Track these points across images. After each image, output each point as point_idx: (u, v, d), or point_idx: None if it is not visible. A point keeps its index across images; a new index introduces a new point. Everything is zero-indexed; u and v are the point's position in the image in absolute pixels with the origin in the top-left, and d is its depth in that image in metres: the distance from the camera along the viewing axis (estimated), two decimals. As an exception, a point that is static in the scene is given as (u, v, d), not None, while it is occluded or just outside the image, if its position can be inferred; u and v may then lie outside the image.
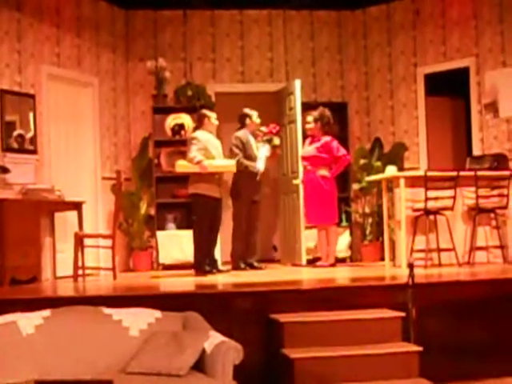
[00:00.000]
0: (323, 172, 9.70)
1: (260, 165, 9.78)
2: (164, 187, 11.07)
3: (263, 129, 10.02)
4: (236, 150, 9.69)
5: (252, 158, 9.77)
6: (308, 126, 9.97)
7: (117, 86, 11.13)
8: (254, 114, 9.92)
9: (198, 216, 9.18)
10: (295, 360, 5.76)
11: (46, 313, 5.33)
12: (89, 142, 10.54)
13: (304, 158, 9.96)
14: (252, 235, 9.90)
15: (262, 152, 9.88)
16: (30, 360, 4.99)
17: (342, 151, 9.83)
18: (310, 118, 9.96)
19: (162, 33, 11.51)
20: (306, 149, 9.97)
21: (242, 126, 9.90)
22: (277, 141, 10.08)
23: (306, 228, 10.42)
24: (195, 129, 9.72)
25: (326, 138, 9.76)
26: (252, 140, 9.87)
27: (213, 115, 9.46)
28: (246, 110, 9.94)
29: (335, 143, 9.79)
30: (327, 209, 9.71)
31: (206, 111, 9.55)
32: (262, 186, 10.03)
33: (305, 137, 10.23)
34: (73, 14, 10.32)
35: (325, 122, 9.82)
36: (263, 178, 9.94)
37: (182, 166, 9.19)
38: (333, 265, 9.74)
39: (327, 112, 9.90)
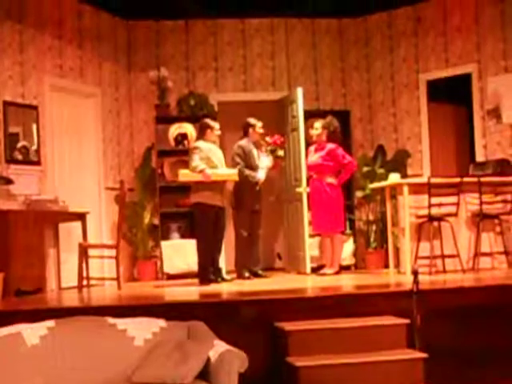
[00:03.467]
0: (330, 180, 9.70)
1: (261, 175, 9.78)
2: (167, 197, 11.07)
3: (267, 139, 10.03)
4: (237, 159, 9.70)
5: (253, 168, 9.77)
6: (314, 132, 9.94)
7: (119, 96, 11.15)
8: (258, 124, 9.92)
9: (201, 225, 9.18)
10: (300, 368, 5.76)
11: (51, 323, 5.33)
12: (92, 152, 10.56)
13: (310, 168, 9.95)
14: (255, 244, 9.91)
15: (263, 162, 9.88)
16: (35, 370, 4.99)
17: (348, 158, 9.83)
18: (317, 125, 9.94)
19: (164, 43, 11.54)
20: (310, 158, 9.95)
21: (245, 135, 9.91)
22: (281, 152, 10.07)
23: (310, 236, 10.41)
24: (197, 139, 9.73)
25: (331, 146, 9.75)
26: (254, 150, 9.88)
27: (216, 125, 9.47)
28: (250, 120, 9.95)
29: (340, 150, 9.78)
30: (334, 216, 9.69)
31: (208, 121, 9.56)
32: (263, 196, 10.02)
33: (308, 144, 10.22)
34: (74, 25, 10.34)
35: (331, 131, 9.82)
36: (268, 188, 9.93)
37: (184, 174, 9.20)
38: (337, 272, 9.72)
39: (335, 121, 9.91)
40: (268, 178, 9.97)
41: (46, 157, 9.61)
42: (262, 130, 9.94)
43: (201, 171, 9.00)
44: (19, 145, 9.21)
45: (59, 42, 10.04)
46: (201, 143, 9.29)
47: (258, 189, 9.79)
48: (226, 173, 9.36)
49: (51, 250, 9.52)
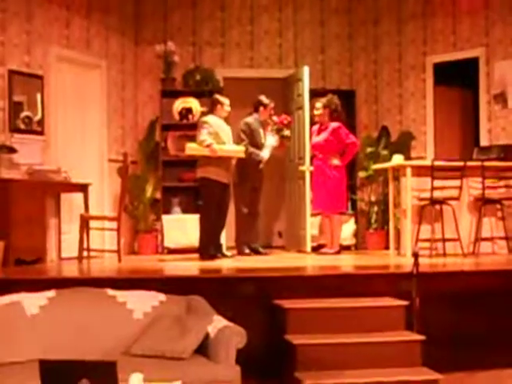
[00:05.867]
0: (335, 161, 9.69)
1: (265, 153, 9.77)
2: (170, 171, 11.07)
3: (275, 118, 10.00)
4: (242, 136, 9.69)
5: (258, 146, 9.76)
6: (316, 113, 9.93)
7: (125, 68, 11.12)
8: (270, 105, 9.90)
9: (206, 200, 9.19)
10: (298, 346, 5.78)
11: (51, 293, 5.35)
12: (96, 124, 10.54)
13: (314, 147, 9.94)
14: (254, 220, 9.93)
15: (269, 141, 9.86)
16: (34, 340, 5.02)
17: (352, 138, 9.82)
18: (318, 105, 9.93)
19: (172, 16, 11.48)
20: (314, 138, 9.94)
21: (255, 112, 9.87)
22: (287, 132, 10.05)
23: (312, 215, 10.42)
24: (207, 113, 9.70)
25: (334, 125, 9.73)
26: (260, 128, 9.87)
27: (226, 101, 9.43)
28: (263, 98, 9.91)
29: (343, 130, 9.77)
30: (335, 197, 9.69)
31: (219, 97, 9.53)
32: (265, 174, 10.00)
33: (312, 123, 10.21)
34: (83, -5, 10.31)
35: (333, 109, 9.80)
36: (272, 167, 9.92)
37: (191, 148, 9.16)
38: (338, 252, 9.74)
39: (336, 99, 9.89)
40: (272, 157, 9.95)
41: (49, 127, 9.59)
42: (272, 112, 9.92)
43: (208, 145, 8.98)
44: (22, 115, 9.18)
45: (67, 13, 9.99)
46: (210, 118, 9.27)
47: (261, 167, 9.79)
48: (232, 149, 9.35)
49: (52, 220, 9.52)
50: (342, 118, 9.93)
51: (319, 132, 9.90)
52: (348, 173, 10.30)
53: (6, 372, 4.60)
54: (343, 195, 9.87)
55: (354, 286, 6.61)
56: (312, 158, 10.14)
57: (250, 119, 9.83)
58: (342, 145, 9.72)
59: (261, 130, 9.85)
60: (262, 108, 9.86)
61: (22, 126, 9.16)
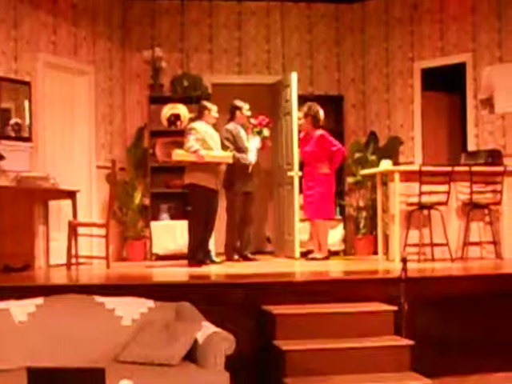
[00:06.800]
0: (324, 170, 9.72)
1: (251, 157, 9.83)
2: (159, 177, 11.07)
3: (253, 121, 10.05)
4: (227, 143, 9.70)
5: (243, 150, 9.80)
6: (299, 122, 10.01)
7: (113, 75, 11.10)
8: (245, 106, 9.94)
9: (194, 206, 9.18)
10: (287, 352, 5.78)
11: (39, 300, 5.34)
12: (84, 130, 10.51)
13: (303, 157, 9.98)
14: (246, 226, 9.96)
15: (252, 144, 9.92)
16: (22, 347, 5.00)
17: (337, 145, 9.85)
18: (299, 114, 10.01)
19: (160, 22, 11.48)
20: (303, 148, 9.96)
21: (232, 117, 9.93)
22: (266, 132, 10.14)
23: (301, 221, 10.42)
24: (194, 119, 9.71)
25: (318, 133, 9.78)
26: (242, 132, 9.91)
27: (213, 108, 9.45)
28: (237, 102, 9.97)
29: (327, 138, 9.79)
30: (322, 203, 9.72)
31: (206, 103, 9.56)
32: (254, 178, 10.03)
33: (299, 131, 10.24)
34: (70, 2, 10.26)
35: (313, 115, 9.83)
36: (254, 170, 9.95)
37: (179, 154, 9.16)
38: (326, 258, 9.76)
39: (315, 106, 9.91)
40: (260, 162, 9.99)
41: (37, 134, 9.56)
42: (249, 113, 9.96)
43: (194, 151, 8.99)
44: (12, 121, 9.17)
45: (54, 19, 9.97)
46: (197, 124, 9.28)
47: (250, 171, 9.81)
48: (220, 155, 9.36)
49: (40, 227, 9.49)
50: (321, 123, 9.92)
51: (305, 141, 9.92)
52: (336, 178, 10.32)
53: (-6, 380, 4.59)
54: (331, 202, 9.90)
55: (343, 292, 6.61)
56: (302, 165, 10.16)
57: (231, 126, 9.87)
58: (328, 152, 9.75)
59: (243, 134, 9.89)
60: (238, 112, 9.91)
61: (12, 133, 9.14)
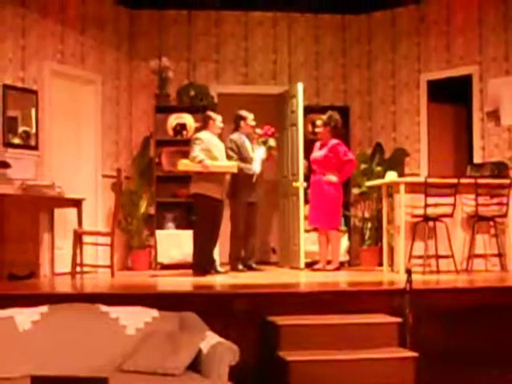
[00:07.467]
0: (331, 177, 9.70)
1: (256, 167, 9.81)
2: (164, 187, 11.07)
3: (258, 131, 10.05)
4: (231, 153, 9.70)
5: (247, 161, 9.78)
6: (317, 130, 10.06)
7: (120, 84, 11.13)
8: (250, 117, 9.93)
9: (199, 216, 9.19)
10: (291, 363, 5.76)
11: (43, 309, 5.33)
12: (90, 139, 10.54)
13: (313, 162, 9.98)
14: (251, 237, 9.94)
15: (257, 154, 9.91)
16: (26, 355, 5.00)
17: (349, 156, 9.85)
18: (319, 122, 10.02)
19: (166, 33, 11.51)
20: (314, 153, 9.97)
21: (237, 127, 9.93)
22: (272, 142, 10.12)
23: (306, 231, 10.41)
24: (200, 129, 9.73)
25: (333, 142, 9.78)
26: (247, 142, 9.90)
27: (218, 118, 9.49)
28: (242, 112, 9.96)
29: (342, 147, 9.81)
30: (330, 213, 9.72)
31: (211, 113, 9.59)
32: (258, 188, 10.01)
33: (307, 140, 10.24)
34: (78, 11, 10.32)
35: (333, 126, 9.85)
36: (259, 180, 9.94)
37: (184, 164, 9.20)
38: (337, 269, 9.75)
39: (336, 115, 9.93)
40: (265, 173, 9.98)
41: (43, 142, 9.59)
42: (253, 123, 9.96)
43: (200, 161, 9.01)
44: (20, 130, 9.20)
45: (61, 28, 10.01)
46: (203, 134, 9.31)
47: (255, 181, 9.80)
48: (225, 165, 9.37)
49: (46, 235, 9.50)
50: (340, 133, 9.96)
51: (321, 148, 9.93)
52: (342, 189, 10.31)
53: (-2, 388, 4.59)
54: (338, 212, 9.89)
55: (347, 303, 6.59)
56: (310, 173, 10.16)
57: (235, 136, 9.86)
58: (339, 161, 9.75)
59: (248, 144, 9.87)
60: (242, 122, 9.90)
61: (19, 141, 9.17)
